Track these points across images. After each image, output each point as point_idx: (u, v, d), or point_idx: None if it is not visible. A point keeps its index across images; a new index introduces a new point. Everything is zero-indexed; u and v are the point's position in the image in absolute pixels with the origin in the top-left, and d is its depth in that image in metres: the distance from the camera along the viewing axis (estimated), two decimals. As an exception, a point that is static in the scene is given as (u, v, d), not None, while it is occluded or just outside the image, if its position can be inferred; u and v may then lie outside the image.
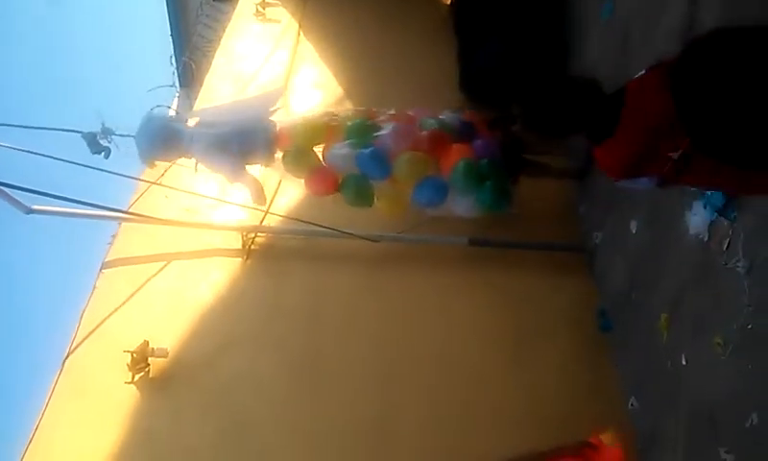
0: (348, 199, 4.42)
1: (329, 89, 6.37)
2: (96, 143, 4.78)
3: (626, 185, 2.37)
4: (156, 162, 4.37)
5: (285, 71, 6.52)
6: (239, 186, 4.34)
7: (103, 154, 4.84)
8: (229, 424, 4.04)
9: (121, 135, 4.62)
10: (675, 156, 2.02)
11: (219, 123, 4.09)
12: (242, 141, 4.01)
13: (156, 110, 3.92)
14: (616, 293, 4.32)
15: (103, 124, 4.91)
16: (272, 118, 4.36)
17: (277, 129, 4.20)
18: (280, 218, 4.98)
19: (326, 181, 4.42)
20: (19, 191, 4.18)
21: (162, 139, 3.94)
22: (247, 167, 4.30)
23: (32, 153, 4.35)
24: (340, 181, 4.41)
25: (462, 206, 4.38)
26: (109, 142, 4.89)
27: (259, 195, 4.35)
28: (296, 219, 4.74)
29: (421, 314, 4.57)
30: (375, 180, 4.35)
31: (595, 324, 4.44)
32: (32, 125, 4.75)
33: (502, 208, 4.46)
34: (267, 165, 4.33)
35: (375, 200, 4.45)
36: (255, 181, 4.32)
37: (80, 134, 4.94)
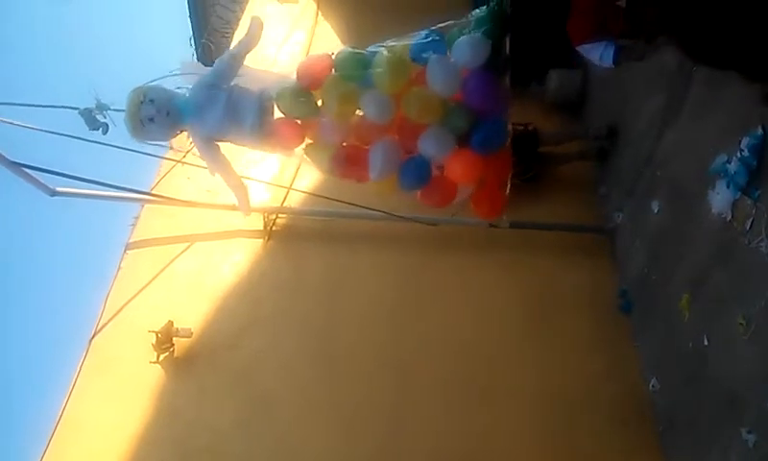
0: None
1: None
2: (93, 119, 4.78)
3: (588, 54, 2.56)
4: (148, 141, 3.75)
5: (303, 52, 6.51)
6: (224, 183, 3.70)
7: (101, 130, 4.84)
8: (251, 402, 4.10)
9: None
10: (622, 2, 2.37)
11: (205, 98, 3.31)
12: (221, 126, 3.30)
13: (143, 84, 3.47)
14: (637, 274, 4.31)
15: (97, 99, 4.89)
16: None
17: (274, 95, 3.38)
18: (302, 199, 5.00)
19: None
20: (43, 173, 4.25)
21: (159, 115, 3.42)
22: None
23: (54, 133, 4.38)
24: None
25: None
26: (105, 118, 4.86)
27: (244, 201, 3.71)
28: (326, 197, 4.67)
29: (440, 295, 4.59)
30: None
31: (615, 305, 4.44)
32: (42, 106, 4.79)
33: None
34: (253, 146, 3.58)
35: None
36: (237, 178, 3.67)
37: (76, 111, 4.92)
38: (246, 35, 3.35)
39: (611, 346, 4.28)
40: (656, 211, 4.08)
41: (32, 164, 4.11)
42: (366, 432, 3.95)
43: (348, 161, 3.41)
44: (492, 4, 3.30)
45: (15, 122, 4.17)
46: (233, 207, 4.96)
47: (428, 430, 3.96)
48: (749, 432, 2.98)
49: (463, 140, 3.35)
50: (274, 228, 4.96)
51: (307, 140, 3.43)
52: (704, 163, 3.46)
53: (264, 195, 5.09)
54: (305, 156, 3.46)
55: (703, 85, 3.65)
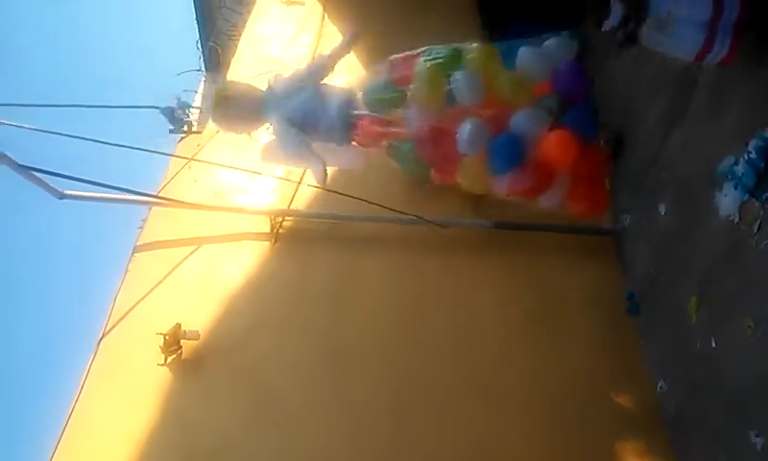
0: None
1: (354, 72, 6.36)
2: (175, 118, 4.83)
3: None
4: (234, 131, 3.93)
5: (310, 54, 6.52)
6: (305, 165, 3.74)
7: (185, 127, 4.88)
8: (259, 403, 4.11)
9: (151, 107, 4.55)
10: None
11: (293, 89, 3.47)
12: (306, 115, 3.42)
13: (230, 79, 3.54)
14: (645, 275, 4.30)
15: (179, 98, 4.94)
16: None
17: (358, 95, 3.48)
18: (308, 202, 5.02)
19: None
20: (52, 176, 4.28)
21: (245, 107, 3.49)
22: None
23: (62, 135, 4.41)
24: None
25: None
26: (187, 116, 4.91)
27: (319, 170, 3.68)
28: (346, 195, 4.58)
29: (447, 297, 4.59)
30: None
31: (621, 307, 4.43)
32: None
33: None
34: (340, 143, 3.68)
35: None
36: (315, 155, 3.68)
37: (158, 110, 4.96)
38: (342, 42, 3.42)
39: (618, 348, 4.27)
40: (663, 213, 4.07)
41: (40, 167, 4.13)
42: (373, 433, 3.95)
43: (433, 141, 3.32)
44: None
45: (24, 125, 4.20)
46: (240, 210, 5.00)
47: (435, 432, 3.96)
48: (757, 435, 2.97)
49: (554, 127, 3.25)
50: (280, 230, 4.97)
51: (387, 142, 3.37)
52: (711, 165, 3.46)
53: (271, 198, 5.11)
54: (388, 155, 3.40)
55: (709, 87, 3.64)
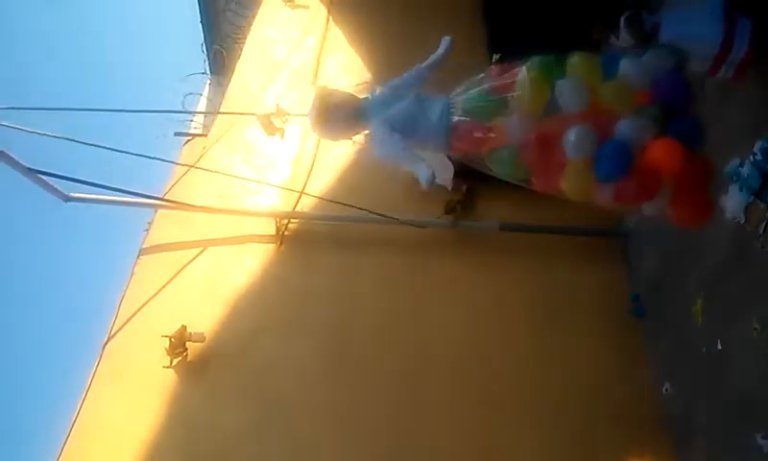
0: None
1: (359, 75, 6.37)
2: (271, 125, 4.84)
3: None
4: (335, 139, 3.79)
5: (315, 57, 6.54)
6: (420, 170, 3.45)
7: (278, 135, 4.91)
8: (263, 405, 4.11)
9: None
10: None
11: (392, 98, 3.42)
12: (405, 120, 3.34)
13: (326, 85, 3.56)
14: (650, 278, 4.29)
15: (278, 104, 4.95)
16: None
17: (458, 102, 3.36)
18: (313, 204, 5.03)
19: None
20: (57, 179, 4.29)
21: (345, 114, 3.52)
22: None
23: (68, 140, 4.43)
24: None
25: None
26: (285, 122, 4.93)
27: (423, 173, 3.41)
28: (344, 203, 4.69)
29: (452, 299, 4.59)
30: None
31: (626, 309, 4.43)
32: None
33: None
34: (441, 151, 3.57)
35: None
36: (419, 158, 3.49)
37: (254, 116, 4.99)
38: (438, 51, 3.48)
39: (623, 350, 4.27)
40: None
41: (46, 170, 4.15)
42: (378, 435, 3.95)
43: (539, 145, 3.31)
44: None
45: (30, 129, 4.22)
46: (246, 213, 5.01)
47: (440, 433, 3.96)
48: (763, 438, 2.96)
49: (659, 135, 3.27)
50: (286, 233, 4.97)
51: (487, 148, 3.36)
52: (717, 167, 3.45)
53: (276, 200, 5.12)
54: (487, 162, 3.39)
55: (715, 89, 3.63)
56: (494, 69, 3.37)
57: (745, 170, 3.18)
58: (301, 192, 5.03)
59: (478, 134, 3.33)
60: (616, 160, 3.16)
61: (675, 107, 3.15)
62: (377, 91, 3.40)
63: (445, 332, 4.41)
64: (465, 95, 3.32)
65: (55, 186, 4.31)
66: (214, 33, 8.49)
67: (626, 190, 3.24)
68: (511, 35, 5.74)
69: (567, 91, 3.15)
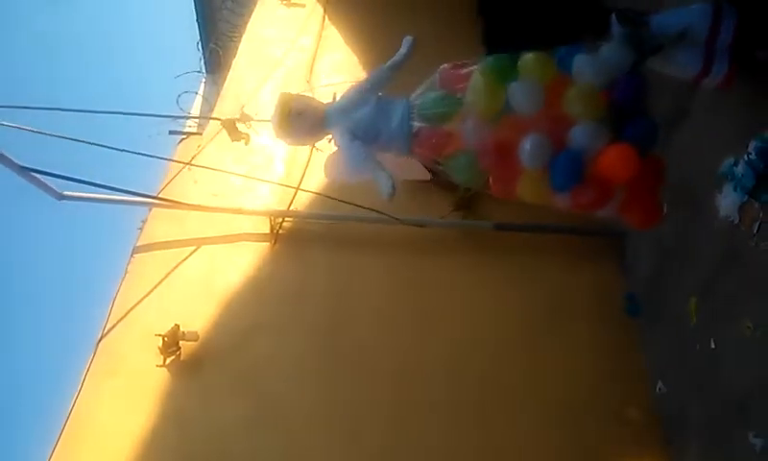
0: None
1: (355, 75, 6.36)
2: (235, 130, 4.84)
3: None
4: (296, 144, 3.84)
5: (310, 56, 6.53)
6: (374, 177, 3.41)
7: (243, 141, 4.91)
8: (258, 404, 4.11)
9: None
10: None
11: (355, 102, 3.36)
12: (367, 127, 3.29)
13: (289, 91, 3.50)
14: (645, 277, 4.30)
15: (242, 109, 4.95)
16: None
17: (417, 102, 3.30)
18: (307, 203, 5.02)
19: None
20: (51, 177, 4.28)
21: (308, 120, 3.45)
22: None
23: (62, 137, 4.42)
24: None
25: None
26: (249, 127, 4.93)
27: (385, 183, 3.33)
28: (340, 199, 4.66)
29: (446, 298, 4.59)
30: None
31: (621, 308, 4.43)
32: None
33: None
34: (403, 155, 3.46)
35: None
36: (381, 167, 3.42)
37: (218, 122, 4.97)
38: (401, 51, 3.42)
39: (618, 349, 4.27)
40: (663, 213, 4.06)
41: (40, 168, 4.14)
42: (372, 435, 3.95)
43: (496, 152, 3.28)
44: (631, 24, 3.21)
45: (24, 127, 4.21)
46: (240, 211, 5.00)
47: (434, 433, 3.95)
48: (756, 436, 2.96)
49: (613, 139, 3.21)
50: (280, 231, 4.97)
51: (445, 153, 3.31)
52: (711, 166, 3.45)
53: (271, 199, 5.11)
54: (444, 168, 3.35)
55: (710, 88, 3.64)
56: (447, 69, 3.33)
57: (739, 169, 3.18)
58: (297, 189, 5.01)
59: (436, 140, 3.30)
60: (569, 172, 3.14)
61: (631, 106, 3.12)
62: (340, 96, 3.35)
63: (440, 331, 4.41)
64: (422, 98, 3.29)
65: (48, 185, 4.30)
66: (210, 31, 8.46)
67: (581, 198, 3.24)
68: (506, 29, 5.74)
69: (520, 95, 3.11)
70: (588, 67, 3.06)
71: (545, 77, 3.15)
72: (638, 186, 3.14)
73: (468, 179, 3.38)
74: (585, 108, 3.08)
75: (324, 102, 3.37)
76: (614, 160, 3.05)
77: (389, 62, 3.46)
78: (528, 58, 3.14)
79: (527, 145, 3.06)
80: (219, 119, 4.98)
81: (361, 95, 3.32)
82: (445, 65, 3.39)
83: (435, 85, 3.32)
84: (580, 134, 3.05)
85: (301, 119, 3.28)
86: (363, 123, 3.27)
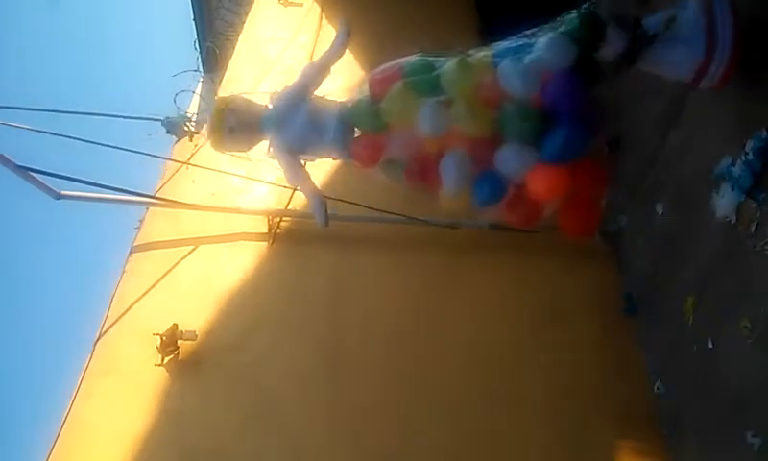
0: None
1: (352, 73, 6.35)
2: (179, 127, 4.83)
3: None
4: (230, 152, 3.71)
5: (308, 55, 6.52)
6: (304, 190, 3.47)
7: (187, 137, 4.90)
8: (256, 404, 4.11)
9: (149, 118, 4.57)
10: None
11: (290, 106, 3.23)
12: (302, 143, 3.19)
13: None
14: (642, 276, 4.30)
15: (179, 111, 4.95)
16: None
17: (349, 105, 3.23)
18: (305, 203, 5.00)
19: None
20: (48, 177, 4.27)
21: (245, 128, 3.17)
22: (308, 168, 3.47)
23: (59, 135, 4.41)
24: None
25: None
26: (187, 128, 4.92)
27: (320, 212, 3.46)
28: (337, 198, 4.58)
29: (446, 297, 4.59)
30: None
31: (619, 307, 4.43)
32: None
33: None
34: (336, 157, 3.45)
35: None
36: (315, 190, 3.47)
37: (159, 121, 4.97)
38: (333, 44, 3.29)
39: (615, 348, 4.27)
40: (660, 214, 4.08)
41: (37, 168, 4.13)
42: (373, 435, 3.95)
43: (421, 174, 3.20)
44: (583, 8, 2.94)
45: (21, 125, 4.20)
46: (238, 210, 4.99)
47: (435, 432, 3.96)
48: (754, 436, 2.97)
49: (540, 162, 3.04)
50: (278, 231, 4.96)
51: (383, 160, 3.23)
52: (708, 166, 3.46)
53: (268, 198, 5.10)
54: (381, 172, 3.27)
55: (708, 86, 3.64)
56: (376, 74, 3.23)
57: (736, 169, 3.19)
58: (295, 188, 5.01)
59: (369, 148, 3.24)
60: (491, 190, 3.05)
61: (564, 109, 2.93)
62: (275, 100, 3.24)
63: (440, 331, 4.41)
64: (355, 106, 3.21)
65: (46, 184, 4.29)
66: (207, 30, 8.45)
67: (512, 212, 3.18)
68: (501, 12, 5.71)
69: (426, 118, 2.98)
70: (514, 76, 2.87)
71: (467, 86, 3.01)
72: (575, 196, 3.03)
73: (402, 185, 3.33)
74: (511, 129, 2.94)
75: (262, 105, 3.27)
76: (540, 185, 2.95)
77: (319, 59, 3.38)
78: (448, 69, 3.00)
79: (446, 167, 3.00)
80: (159, 119, 4.99)
81: (293, 100, 3.21)
82: (375, 70, 3.31)
83: (363, 91, 3.25)
84: (504, 160, 2.94)
85: (239, 127, 3.17)
86: (297, 139, 3.18)
